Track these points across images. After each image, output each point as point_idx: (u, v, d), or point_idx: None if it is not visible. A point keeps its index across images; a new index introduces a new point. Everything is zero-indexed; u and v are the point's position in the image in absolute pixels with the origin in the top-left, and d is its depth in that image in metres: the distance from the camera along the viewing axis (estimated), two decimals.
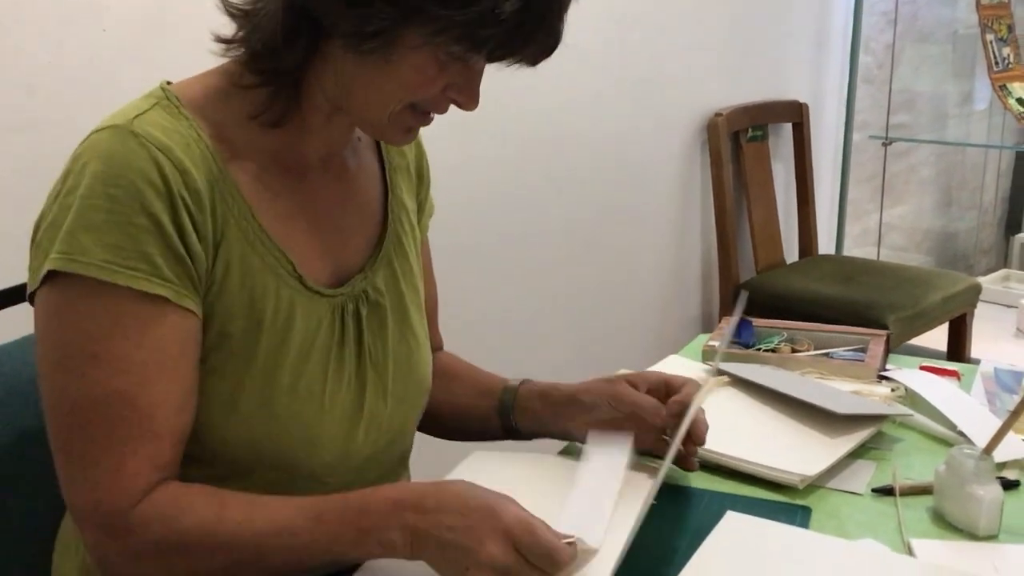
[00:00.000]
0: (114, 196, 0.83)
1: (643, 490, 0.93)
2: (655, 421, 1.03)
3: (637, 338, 2.76)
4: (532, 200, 2.37)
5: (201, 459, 0.91)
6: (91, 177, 0.84)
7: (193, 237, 0.86)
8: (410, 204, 1.08)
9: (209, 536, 0.84)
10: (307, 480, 0.94)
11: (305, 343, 0.93)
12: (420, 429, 1.11)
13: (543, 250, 2.43)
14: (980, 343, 3.00)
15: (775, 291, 2.78)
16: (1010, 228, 4.51)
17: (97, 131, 0.87)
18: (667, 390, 1.06)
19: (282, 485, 0.91)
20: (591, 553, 0.84)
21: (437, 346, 1.18)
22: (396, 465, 1.07)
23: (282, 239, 0.93)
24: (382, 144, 1.07)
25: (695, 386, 1.05)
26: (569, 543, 0.81)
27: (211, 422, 0.90)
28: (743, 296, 1.18)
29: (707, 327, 3.02)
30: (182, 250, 0.85)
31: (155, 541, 0.84)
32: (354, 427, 0.97)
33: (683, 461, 1.05)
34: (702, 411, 1.04)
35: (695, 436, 1.02)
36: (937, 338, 2.90)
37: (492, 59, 0.87)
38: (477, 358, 1.21)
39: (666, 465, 0.91)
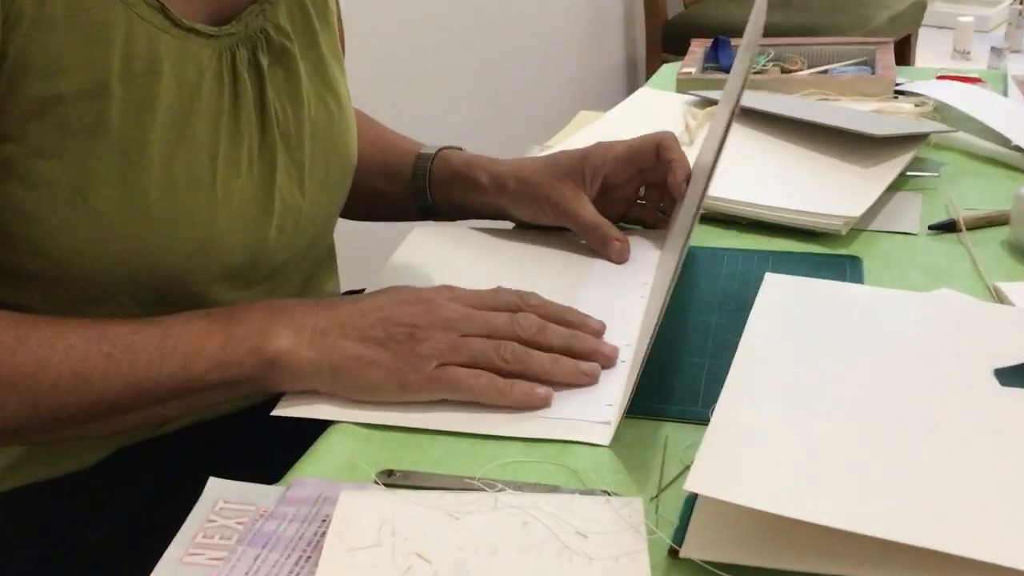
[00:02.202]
0: None
1: (661, 269, 0.72)
2: (596, 245, 0.82)
3: (555, 90, 2.48)
4: None
5: (40, 279, 0.65)
6: None
7: None
8: None
9: (3, 368, 0.60)
10: (194, 301, 0.68)
11: (180, 107, 0.65)
12: None
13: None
14: (920, 66, 2.82)
15: (711, 24, 2.50)
16: None
17: None
18: (642, 157, 0.83)
19: (160, 311, 0.66)
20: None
21: None
22: (322, 274, 0.82)
23: None
24: None
25: (672, 138, 0.83)
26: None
27: (49, 224, 0.63)
28: None
29: (631, 75, 2.74)
30: None
31: None
32: (262, 225, 0.70)
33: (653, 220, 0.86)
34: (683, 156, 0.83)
35: (672, 186, 0.81)
36: None
37: None
38: (386, 120, 0.94)
39: (686, 241, 0.66)
